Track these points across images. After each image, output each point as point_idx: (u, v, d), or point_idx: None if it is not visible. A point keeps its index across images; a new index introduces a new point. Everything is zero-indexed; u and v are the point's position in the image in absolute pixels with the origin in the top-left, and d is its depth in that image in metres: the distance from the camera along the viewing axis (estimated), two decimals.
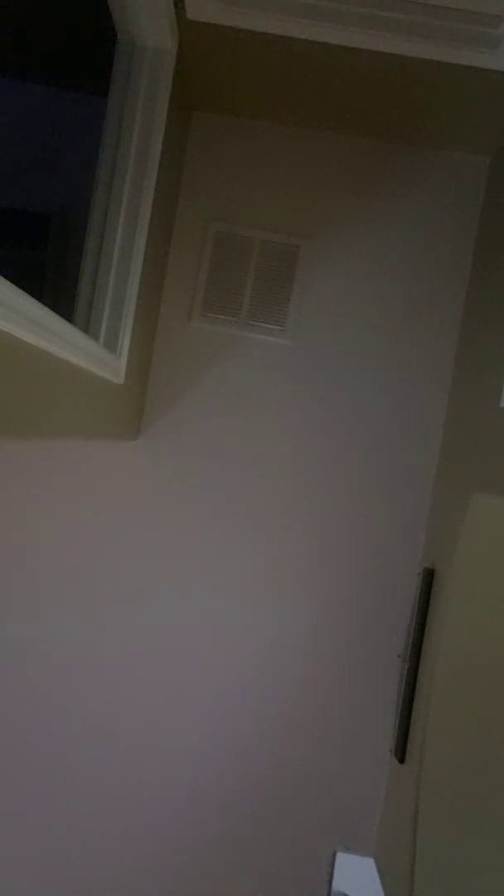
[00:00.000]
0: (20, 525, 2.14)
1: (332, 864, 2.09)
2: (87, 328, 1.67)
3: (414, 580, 2.07)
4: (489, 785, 1.29)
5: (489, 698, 1.34)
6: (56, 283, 2.30)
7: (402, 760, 1.86)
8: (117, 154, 1.62)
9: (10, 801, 2.16)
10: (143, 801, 2.13)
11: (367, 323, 2.09)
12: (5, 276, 0.90)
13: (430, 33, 1.50)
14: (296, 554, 2.10)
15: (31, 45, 2.12)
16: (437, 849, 1.48)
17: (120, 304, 1.67)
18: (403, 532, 2.08)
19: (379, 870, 1.98)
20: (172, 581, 2.12)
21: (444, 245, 2.07)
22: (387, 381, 2.09)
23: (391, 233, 2.08)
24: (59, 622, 2.14)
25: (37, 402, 1.14)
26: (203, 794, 2.12)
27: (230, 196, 2.10)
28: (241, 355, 2.11)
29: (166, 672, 2.12)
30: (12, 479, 2.14)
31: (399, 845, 1.77)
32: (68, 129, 2.31)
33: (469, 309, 2.01)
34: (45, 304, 1.05)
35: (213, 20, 1.57)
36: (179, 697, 2.12)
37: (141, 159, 1.63)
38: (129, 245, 1.66)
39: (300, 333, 2.10)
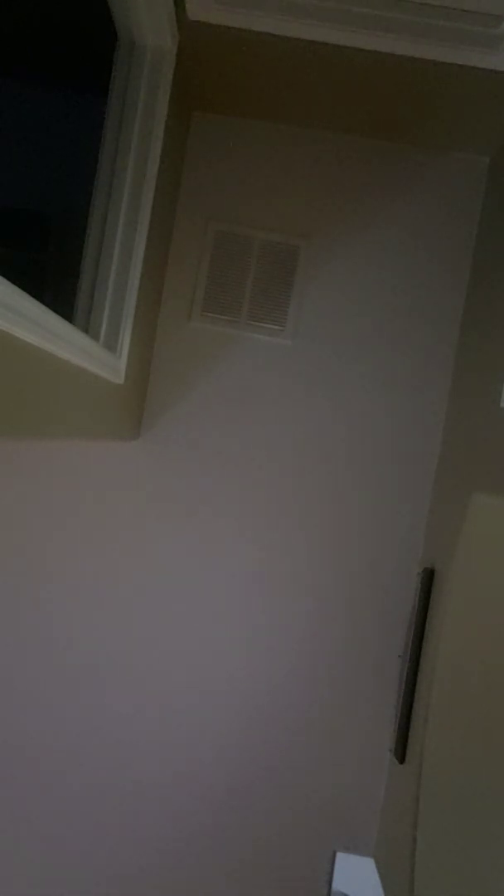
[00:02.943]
0: (20, 525, 2.14)
1: (332, 864, 2.09)
2: (87, 328, 1.67)
3: (414, 580, 2.07)
4: (489, 785, 1.29)
5: (489, 698, 1.34)
6: (56, 283, 2.30)
7: (402, 760, 1.86)
8: (117, 154, 1.62)
9: (8, 803, 2.16)
10: (141, 801, 2.13)
11: (367, 323, 2.09)
12: (5, 276, 0.90)
13: (430, 33, 1.50)
14: (296, 553, 2.10)
15: (31, 45, 2.12)
16: (437, 849, 1.48)
17: (120, 304, 1.67)
18: (403, 532, 2.08)
19: (379, 870, 1.98)
20: (172, 581, 2.12)
21: (444, 245, 2.07)
22: (387, 381, 2.09)
23: (391, 233, 2.08)
24: (59, 621, 2.14)
25: (37, 402, 1.14)
26: (202, 794, 2.12)
27: (230, 196, 2.10)
28: (241, 355, 2.11)
29: (165, 671, 2.12)
30: (12, 479, 2.14)
31: (399, 845, 1.77)
32: (68, 129, 2.31)
33: (469, 309, 2.01)
34: (44, 304, 1.05)
35: (213, 20, 1.57)
36: (179, 698, 2.12)
37: (141, 159, 1.63)
38: (129, 245, 1.66)
39: (300, 333, 2.10)
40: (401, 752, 1.86)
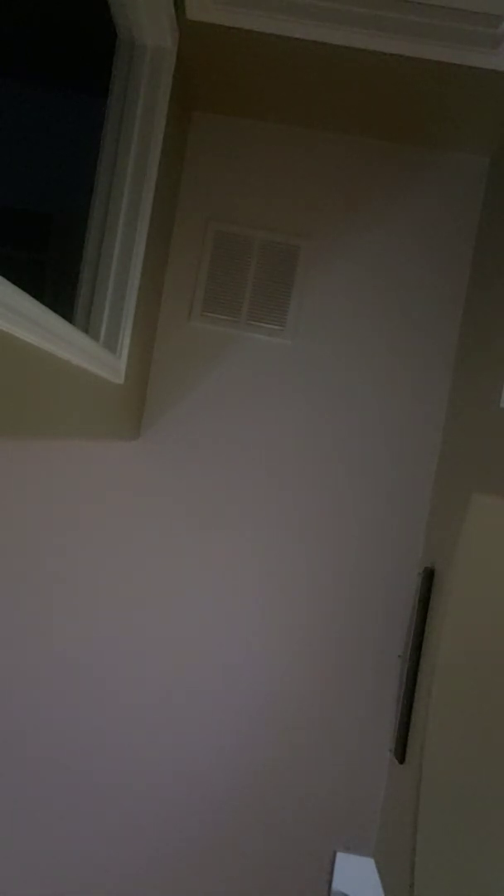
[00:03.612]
0: (20, 525, 2.14)
1: (332, 864, 2.09)
2: (87, 328, 1.67)
3: (414, 580, 2.07)
4: (489, 785, 1.29)
5: (489, 698, 1.34)
6: (56, 283, 2.30)
7: (402, 760, 1.86)
8: (117, 154, 1.62)
9: (8, 804, 2.16)
10: (141, 802, 2.13)
11: (368, 323, 2.09)
12: (5, 276, 0.90)
13: (430, 33, 1.50)
14: (296, 554, 2.10)
15: (31, 45, 2.12)
16: (437, 849, 1.48)
17: (120, 304, 1.67)
18: (403, 532, 2.08)
19: (379, 870, 1.98)
20: (172, 581, 2.12)
21: (444, 245, 2.07)
22: (387, 382, 2.09)
23: (391, 233, 2.08)
24: (59, 621, 2.14)
25: (37, 402, 1.14)
26: (203, 794, 2.12)
27: (230, 196, 2.10)
28: (241, 355, 2.11)
29: (164, 671, 2.12)
30: (12, 479, 2.14)
31: (399, 845, 1.77)
32: (68, 129, 2.31)
33: (469, 309, 2.01)
34: (45, 304, 1.05)
35: (213, 20, 1.57)
36: (178, 697, 2.12)
37: (141, 159, 1.63)
38: (129, 245, 1.66)
39: (300, 333, 2.10)
40: (401, 752, 1.86)
